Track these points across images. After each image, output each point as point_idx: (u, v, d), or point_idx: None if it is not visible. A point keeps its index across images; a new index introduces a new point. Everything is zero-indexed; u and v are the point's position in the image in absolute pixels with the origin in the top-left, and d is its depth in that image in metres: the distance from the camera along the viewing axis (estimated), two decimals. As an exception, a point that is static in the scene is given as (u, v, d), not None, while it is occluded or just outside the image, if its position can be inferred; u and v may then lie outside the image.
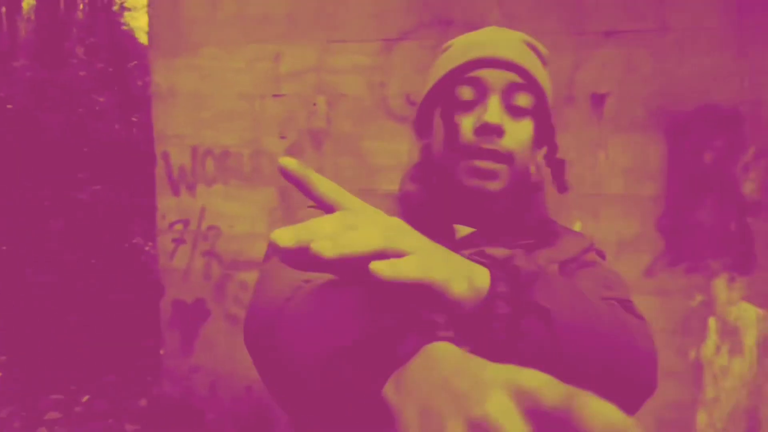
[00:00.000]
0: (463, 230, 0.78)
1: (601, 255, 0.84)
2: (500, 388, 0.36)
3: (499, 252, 0.54)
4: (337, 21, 2.30)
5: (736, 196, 2.04)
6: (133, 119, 5.66)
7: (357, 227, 0.43)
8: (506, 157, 0.73)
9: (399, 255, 0.42)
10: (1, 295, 3.80)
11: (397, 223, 0.46)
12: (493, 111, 0.71)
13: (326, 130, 2.35)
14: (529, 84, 0.74)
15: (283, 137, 2.39)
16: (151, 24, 2.49)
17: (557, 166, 0.83)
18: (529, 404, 0.34)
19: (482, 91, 0.73)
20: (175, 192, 2.52)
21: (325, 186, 0.49)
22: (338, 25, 2.30)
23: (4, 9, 11.34)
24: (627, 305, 0.70)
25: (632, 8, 2.04)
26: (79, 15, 9.05)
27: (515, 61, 0.73)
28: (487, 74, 0.73)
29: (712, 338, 2.07)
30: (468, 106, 0.74)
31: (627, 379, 0.59)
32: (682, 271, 2.08)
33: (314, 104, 2.35)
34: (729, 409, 2.07)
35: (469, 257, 0.52)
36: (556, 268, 0.75)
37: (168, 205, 2.53)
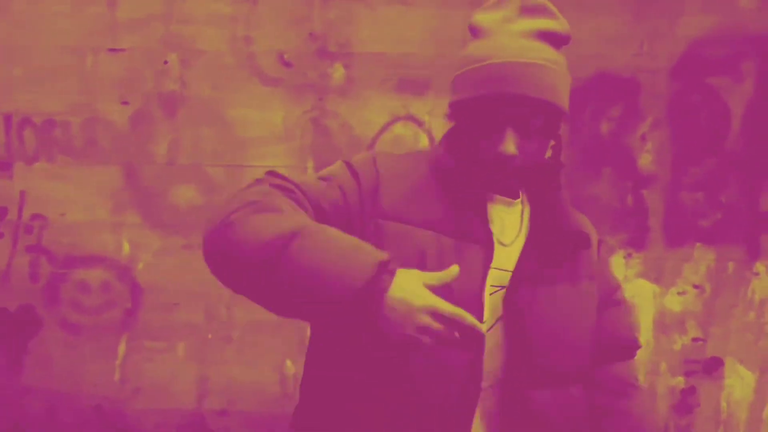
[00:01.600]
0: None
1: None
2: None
3: None
4: (188, -42, 1.90)
5: (632, 169, 1.95)
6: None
7: None
8: (519, 171, 0.89)
9: None
10: None
11: None
12: (509, 143, 0.85)
13: (180, 93, 1.93)
14: (544, 108, 0.86)
15: (125, 103, 1.94)
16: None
17: (556, 167, 0.98)
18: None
19: (501, 120, 0.85)
20: (-16, 172, 1.99)
21: None
22: (190, -37, 1.90)
23: None
24: None
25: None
26: None
27: (532, 96, 0.84)
28: (506, 107, 0.84)
29: (609, 318, 1.99)
30: (488, 127, 0.87)
31: None
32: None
33: (165, 62, 1.92)
34: (626, 390, 2.02)
35: None
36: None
37: (-25, 190, 1.99)
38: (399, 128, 1.91)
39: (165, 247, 1.97)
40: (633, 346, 1.07)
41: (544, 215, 0.96)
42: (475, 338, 0.71)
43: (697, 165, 1.93)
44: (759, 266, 1.96)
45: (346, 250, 0.70)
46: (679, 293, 1.99)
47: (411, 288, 0.69)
